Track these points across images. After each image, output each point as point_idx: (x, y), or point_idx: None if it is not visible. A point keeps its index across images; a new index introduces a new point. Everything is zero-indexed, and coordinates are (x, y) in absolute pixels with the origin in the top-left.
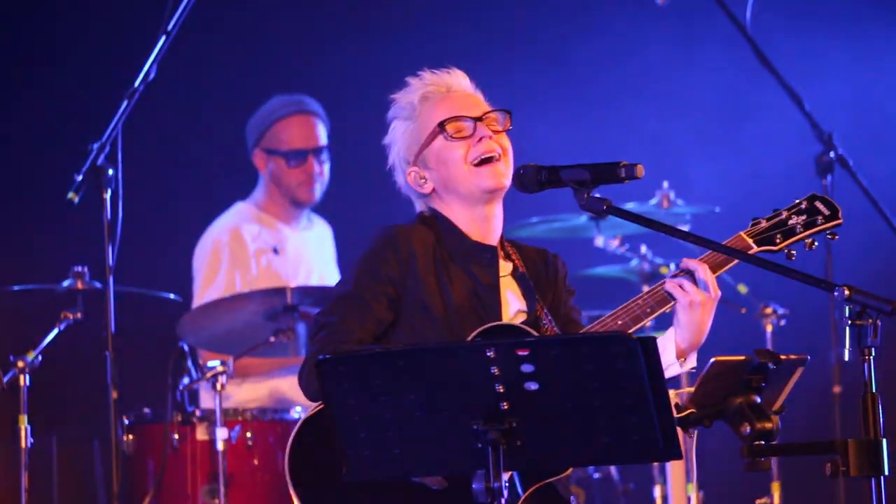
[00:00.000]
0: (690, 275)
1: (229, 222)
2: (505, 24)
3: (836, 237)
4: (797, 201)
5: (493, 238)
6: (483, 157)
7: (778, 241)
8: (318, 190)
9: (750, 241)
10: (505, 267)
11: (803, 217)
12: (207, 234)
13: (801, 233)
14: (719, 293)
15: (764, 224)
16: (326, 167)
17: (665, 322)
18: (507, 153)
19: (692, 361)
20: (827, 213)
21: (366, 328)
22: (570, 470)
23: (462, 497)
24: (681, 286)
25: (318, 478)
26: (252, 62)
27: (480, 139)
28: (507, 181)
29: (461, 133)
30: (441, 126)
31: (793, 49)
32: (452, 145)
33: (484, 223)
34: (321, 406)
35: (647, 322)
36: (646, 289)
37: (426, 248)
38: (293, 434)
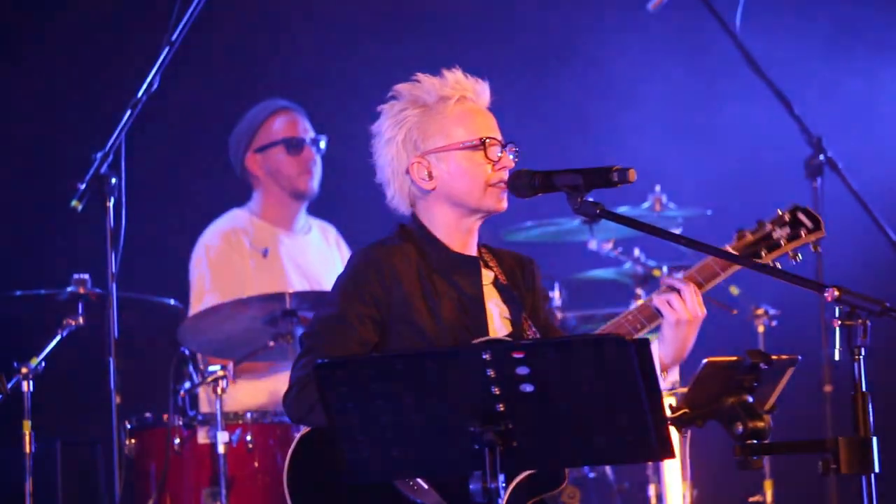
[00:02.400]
0: (677, 292)
1: (222, 226)
2: (485, 30)
3: (819, 249)
4: (780, 213)
5: (472, 249)
6: (501, 182)
7: (763, 254)
8: (316, 181)
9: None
10: (486, 276)
11: (786, 230)
12: (200, 240)
13: (784, 246)
14: (705, 312)
15: (749, 237)
16: (319, 159)
17: None
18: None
19: (674, 375)
20: (810, 225)
21: (350, 351)
22: (565, 484)
23: None
24: (669, 303)
25: (317, 496)
26: (253, 70)
27: (503, 167)
28: (506, 206)
29: (493, 155)
30: (483, 142)
31: (781, 53)
32: (482, 162)
33: (467, 235)
34: None
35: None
36: (639, 291)
37: (409, 266)
38: (290, 451)
